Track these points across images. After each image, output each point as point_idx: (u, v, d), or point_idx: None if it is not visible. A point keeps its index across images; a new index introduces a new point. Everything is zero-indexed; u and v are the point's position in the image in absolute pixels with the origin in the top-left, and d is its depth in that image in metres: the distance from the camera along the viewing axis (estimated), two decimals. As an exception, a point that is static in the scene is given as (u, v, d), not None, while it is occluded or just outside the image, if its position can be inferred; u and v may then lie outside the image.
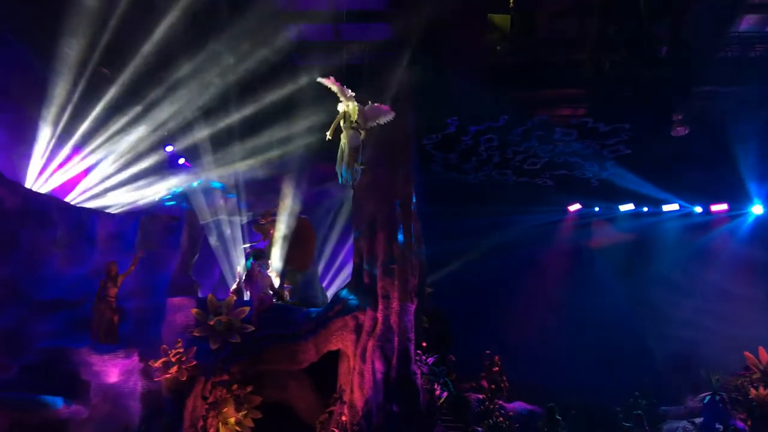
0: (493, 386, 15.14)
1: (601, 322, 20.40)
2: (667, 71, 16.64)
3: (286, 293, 15.99)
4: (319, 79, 12.49)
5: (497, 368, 15.87)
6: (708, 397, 14.76)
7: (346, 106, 12.52)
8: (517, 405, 15.26)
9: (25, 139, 16.99)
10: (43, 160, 17.28)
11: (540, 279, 21.64)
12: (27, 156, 17.13)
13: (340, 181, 13.02)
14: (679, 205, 21.68)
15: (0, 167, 15.49)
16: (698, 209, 21.56)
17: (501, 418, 14.02)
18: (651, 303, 20.84)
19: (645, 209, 22.21)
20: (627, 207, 22.17)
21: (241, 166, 18.19)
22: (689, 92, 16.94)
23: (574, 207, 22.65)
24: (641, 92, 16.90)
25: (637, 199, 21.75)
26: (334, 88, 12.38)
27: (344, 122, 12.56)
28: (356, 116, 12.38)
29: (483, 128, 18.49)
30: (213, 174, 18.58)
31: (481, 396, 14.74)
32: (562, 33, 17.32)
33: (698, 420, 14.80)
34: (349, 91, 12.49)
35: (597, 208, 22.90)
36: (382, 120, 12.88)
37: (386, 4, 16.97)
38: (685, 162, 19.15)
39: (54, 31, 16.09)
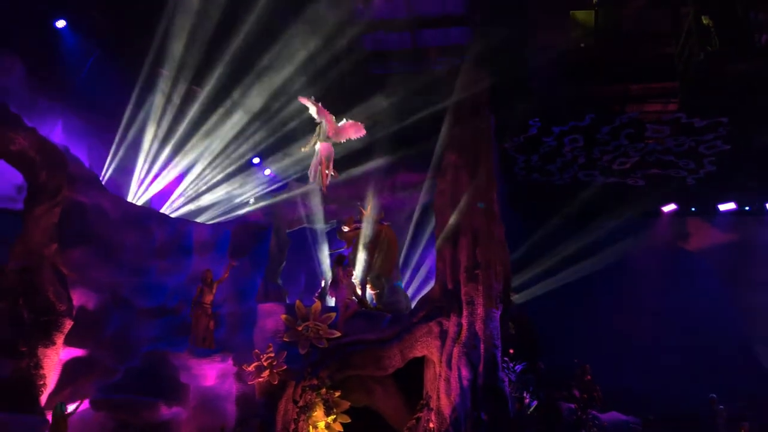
0: (585, 395, 14.58)
1: (702, 328, 19.30)
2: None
3: (372, 298, 16.15)
4: (300, 98, 14.33)
5: (589, 376, 15.28)
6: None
7: (320, 122, 14.33)
8: (613, 415, 14.60)
9: (126, 154, 18.23)
10: (142, 174, 18.45)
11: (633, 283, 20.67)
12: (128, 170, 18.36)
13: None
14: (787, 203, 20.24)
15: (104, 182, 16.68)
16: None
17: (595, 429, 13.48)
18: (758, 307, 19.51)
19: (747, 208, 20.86)
20: (728, 206, 20.86)
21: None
22: (792, 82, 15.71)
23: (669, 207, 21.53)
24: (739, 84, 15.85)
25: (739, 198, 20.44)
26: (311, 107, 14.06)
27: (319, 135, 14.33)
28: (327, 132, 14.31)
29: (567, 128, 17.93)
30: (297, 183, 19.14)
31: (572, 405, 14.22)
32: (649, 25, 16.55)
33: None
34: (321, 109, 14.21)
35: (693, 209, 21.70)
36: (354, 135, 14.63)
37: (464, 7, 16.84)
38: (791, 157, 17.81)
39: (148, 52, 17.19)
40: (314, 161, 14.48)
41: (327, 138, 14.34)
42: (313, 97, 14.04)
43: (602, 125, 17.64)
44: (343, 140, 14.61)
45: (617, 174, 19.94)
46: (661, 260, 21.31)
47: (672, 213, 21.67)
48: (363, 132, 14.74)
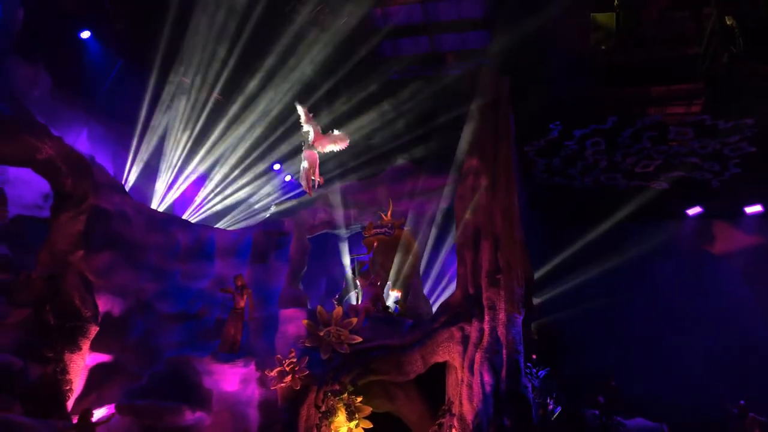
0: (610, 401, 14.41)
1: (729, 333, 18.90)
2: (793, 61, 15.22)
3: (394, 303, 16.13)
4: (296, 104, 15.20)
5: (613, 382, 15.10)
6: None
7: (308, 130, 15.10)
8: (638, 421, 14.40)
9: (149, 161, 18.49)
10: (165, 180, 18.70)
11: (657, 287, 20.35)
12: (152, 177, 18.62)
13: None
14: (815, 205, 19.78)
15: (128, 189, 16.90)
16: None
17: (619, 436, 13.32)
18: (787, 312, 19.07)
19: (774, 210, 20.45)
20: (754, 209, 20.46)
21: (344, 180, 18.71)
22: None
23: (694, 210, 21.19)
24: (765, 85, 15.57)
25: (766, 200, 20.04)
26: (302, 115, 14.95)
27: (306, 143, 15.18)
28: (312, 141, 15.11)
29: (588, 131, 17.80)
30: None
31: (596, 411, 14.06)
32: (672, 27, 16.34)
33: None
34: (310, 118, 15.13)
35: (719, 211, 21.31)
36: (337, 147, 15.30)
37: (484, 11, 16.81)
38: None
39: (170, 60, 17.45)
40: (302, 168, 15.32)
41: (311, 146, 15.16)
42: (305, 108, 15.00)
43: (624, 128, 17.47)
44: (326, 150, 15.32)
45: (640, 177, 19.70)
46: (686, 264, 20.92)
47: (697, 216, 21.32)
48: (346, 143, 15.39)
